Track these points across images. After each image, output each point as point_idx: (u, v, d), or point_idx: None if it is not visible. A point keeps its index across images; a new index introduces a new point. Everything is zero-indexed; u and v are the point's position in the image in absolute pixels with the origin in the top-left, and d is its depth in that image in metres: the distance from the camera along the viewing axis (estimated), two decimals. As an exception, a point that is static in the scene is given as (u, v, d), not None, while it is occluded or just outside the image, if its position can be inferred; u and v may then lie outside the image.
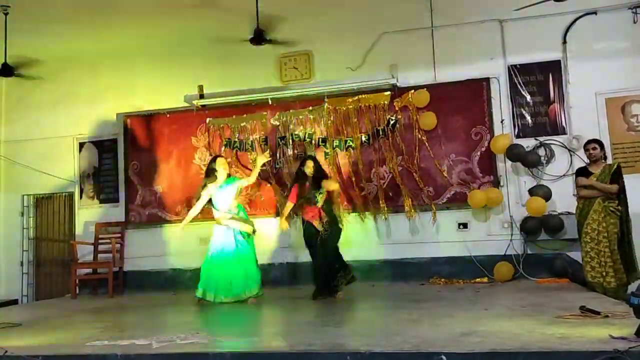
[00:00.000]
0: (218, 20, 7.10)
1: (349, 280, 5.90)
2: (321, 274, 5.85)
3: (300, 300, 5.96)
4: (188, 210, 6.93)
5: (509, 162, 6.83)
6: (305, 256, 6.28)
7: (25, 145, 8.25)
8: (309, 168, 5.93)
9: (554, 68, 6.86)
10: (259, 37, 6.74)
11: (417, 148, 7.05)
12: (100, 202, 8.03)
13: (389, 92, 7.16)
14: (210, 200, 6.11)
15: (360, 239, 7.02)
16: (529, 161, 6.65)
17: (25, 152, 8.21)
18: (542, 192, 6.51)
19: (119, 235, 7.73)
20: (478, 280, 6.56)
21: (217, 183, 6.04)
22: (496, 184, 6.85)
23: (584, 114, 6.68)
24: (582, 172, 5.57)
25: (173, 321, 5.17)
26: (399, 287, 6.50)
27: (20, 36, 6.99)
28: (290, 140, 7.37)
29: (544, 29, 6.86)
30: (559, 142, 6.77)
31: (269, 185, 7.39)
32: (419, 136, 7.05)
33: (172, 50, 7.83)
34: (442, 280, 6.66)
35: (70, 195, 8.19)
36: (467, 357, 2.99)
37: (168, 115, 7.83)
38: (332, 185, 5.91)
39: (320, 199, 5.85)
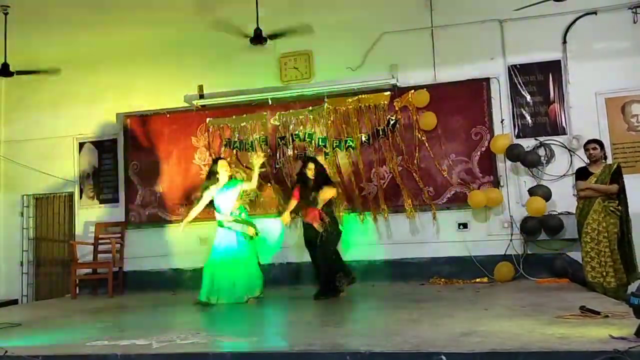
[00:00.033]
0: (218, 20, 7.09)
1: (349, 281, 5.90)
2: (321, 274, 5.88)
3: (300, 300, 5.96)
4: (188, 211, 6.95)
5: (509, 162, 6.83)
6: (305, 256, 6.28)
7: (25, 145, 8.25)
8: (310, 170, 5.96)
9: (554, 68, 6.86)
10: (259, 37, 6.73)
11: (417, 148, 7.05)
12: (100, 202, 8.03)
13: (389, 92, 7.16)
14: (212, 202, 6.12)
15: (360, 239, 7.02)
16: (529, 161, 6.65)
17: (25, 152, 8.21)
18: (541, 192, 6.51)
19: (119, 235, 7.73)
20: (478, 280, 6.56)
21: (219, 185, 6.05)
22: (496, 184, 6.85)
23: (584, 114, 6.68)
24: (582, 172, 5.57)
25: (173, 321, 5.16)
26: (399, 287, 6.50)
27: (20, 36, 6.99)
28: (290, 140, 7.37)
29: (544, 29, 6.86)
30: (559, 142, 6.78)
31: (269, 185, 7.38)
32: (419, 136, 7.05)
33: (172, 50, 7.83)
34: (442, 280, 6.66)
35: (70, 196, 8.19)
36: (467, 357, 2.99)
37: (168, 115, 7.83)
38: (327, 193, 5.88)
39: (321, 201, 5.86)
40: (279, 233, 7.26)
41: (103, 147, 8.09)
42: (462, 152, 6.97)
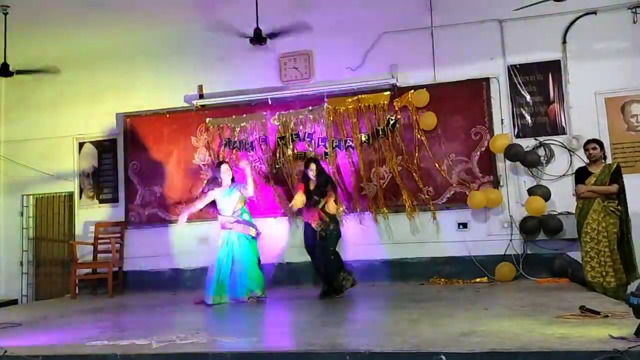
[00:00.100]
0: (218, 20, 7.10)
1: (351, 283, 5.89)
2: (322, 274, 5.89)
3: (300, 300, 5.96)
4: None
5: (508, 162, 6.83)
6: (305, 256, 6.28)
7: (25, 145, 8.25)
8: (312, 171, 5.98)
9: (553, 68, 6.87)
10: (258, 37, 6.73)
11: (416, 148, 7.05)
12: (100, 202, 8.03)
13: (388, 92, 7.16)
14: (213, 203, 6.17)
15: (360, 239, 7.02)
16: (528, 161, 6.65)
17: (25, 152, 8.21)
18: (541, 192, 6.51)
19: (119, 235, 7.73)
20: (478, 280, 6.56)
21: (222, 189, 6.09)
22: (496, 184, 6.85)
23: (584, 113, 6.69)
24: (582, 172, 5.57)
25: (173, 321, 5.16)
26: (399, 287, 6.50)
27: (20, 36, 6.99)
28: (290, 140, 7.37)
29: (544, 29, 6.86)
30: (559, 142, 6.78)
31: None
32: (419, 136, 7.05)
33: (172, 50, 7.83)
34: (442, 280, 6.66)
35: (70, 195, 8.19)
36: (467, 357, 2.99)
37: (168, 115, 7.83)
38: (332, 208, 5.89)
39: (321, 201, 5.87)
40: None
41: (103, 147, 8.09)
42: (462, 152, 6.97)
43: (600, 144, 5.58)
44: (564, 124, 6.81)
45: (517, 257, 6.66)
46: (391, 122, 7.13)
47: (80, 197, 8.08)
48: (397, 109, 7.14)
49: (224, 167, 6.18)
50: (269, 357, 3.40)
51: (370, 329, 4.06)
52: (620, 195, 5.36)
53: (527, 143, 6.78)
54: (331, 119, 7.28)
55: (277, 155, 7.41)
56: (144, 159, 7.87)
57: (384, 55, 7.24)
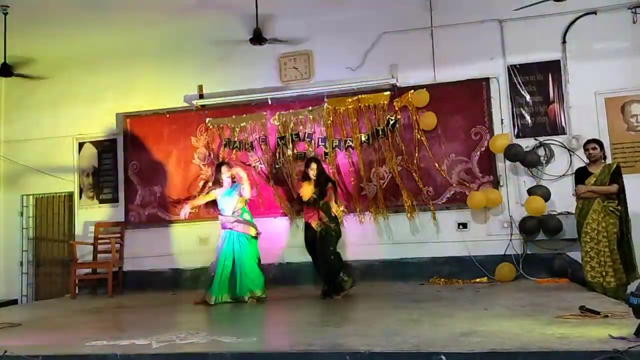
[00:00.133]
0: (218, 20, 7.10)
1: (350, 285, 5.89)
2: (322, 274, 5.89)
3: (300, 300, 5.96)
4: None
5: (508, 162, 6.83)
6: (305, 256, 6.29)
7: (24, 145, 8.25)
8: (312, 170, 5.99)
9: (553, 68, 6.87)
10: (258, 37, 6.73)
11: (416, 148, 7.05)
12: (100, 202, 8.03)
13: (388, 92, 7.16)
14: (214, 202, 6.21)
15: (360, 239, 7.02)
16: (528, 161, 6.65)
17: (24, 152, 8.21)
18: (541, 192, 6.51)
19: (119, 235, 7.73)
20: (478, 280, 6.56)
21: (223, 189, 6.11)
22: (496, 184, 6.85)
23: (584, 113, 6.69)
24: (582, 172, 5.57)
25: (173, 321, 5.16)
26: (399, 287, 6.49)
27: (20, 36, 6.99)
28: (290, 141, 7.37)
29: (544, 29, 6.86)
30: (559, 142, 6.78)
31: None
32: (419, 136, 7.05)
33: (172, 50, 7.83)
34: (442, 280, 6.66)
35: (70, 195, 8.19)
36: (467, 357, 2.99)
37: (168, 115, 7.83)
38: (335, 209, 5.92)
39: (320, 200, 5.88)
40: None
41: (103, 147, 8.09)
42: (462, 152, 6.97)
43: (600, 144, 5.58)
44: (563, 124, 6.81)
45: (517, 257, 6.66)
46: (391, 122, 7.13)
47: (80, 197, 8.08)
48: (397, 109, 7.14)
49: (224, 168, 6.19)
50: (269, 357, 3.40)
51: (370, 329, 4.05)
52: (620, 195, 5.37)
53: (527, 143, 6.79)
54: (331, 119, 7.28)
55: (277, 155, 7.41)
56: (143, 159, 7.87)
57: (384, 55, 7.24)
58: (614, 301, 4.66)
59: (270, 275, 6.92)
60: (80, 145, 8.15)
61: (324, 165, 6.61)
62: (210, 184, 7.04)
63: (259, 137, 7.50)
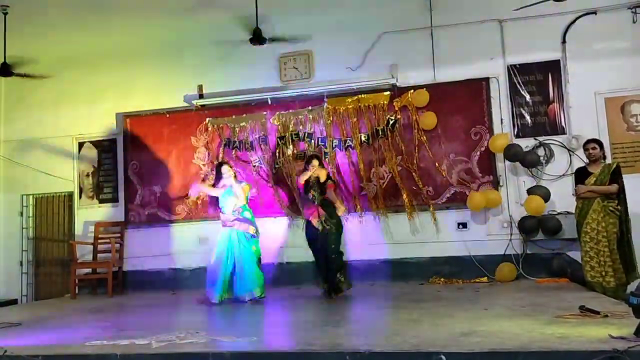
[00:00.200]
0: (218, 20, 7.10)
1: (346, 286, 5.88)
2: (322, 272, 5.88)
3: (300, 300, 5.97)
4: (187, 210, 7.06)
5: (508, 162, 6.83)
6: (305, 256, 6.29)
7: (24, 145, 8.25)
8: (313, 167, 5.97)
9: (553, 68, 6.87)
10: (258, 37, 6.73)
11: (416, 148, 7.05)
12: (100, 202, 8.03)
13: (388, 92, 7.16)
14: (217, 200, 6.23)
15: (360, 238, 7.02)
16: (528, 161, 6.65)
17: (24, 152, 8.21)
18: (540, 192, 6.51)
19: (119, 235, 7.73)
20: (478, 280, 6.56)
21: (224, 188, 6.11)
22: (495, 183, 6.86)
23: (584, 113, 6.69)
24: (582, 172, 5.57)
25: (173, 321, 5.16)
26: (399, 287, 6.50)
27: (19, 36, 6.99)
28: (290, 140, 7.37)
29: (544, 28, 6.87)
30: (559, 141, 6.78)
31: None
32: (419, 136, 7.05)
33: (172, 50, 7.83)
34: (442, 280, 6.66)
35: (70, 195, 8.19)
36: (467, 357, 3.00)
37: (167, 115, 7.83)
38: (340, 210, 5.94)
39: (319, 197, 5.88)
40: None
41: (103, 146, 8.09)
42: (462, 152, 6.97)
43: (600, 143, 5.58)
44: (563, 123, 6.81)
45: (516, 257, 6.66)
46: (391, 122, 7.13)
47: (80, 197, 8.08)
48: (397, 108, 7.14)
49: (225, 168, 6.19)
50: (269, 357, 3.41)
51: (370, 329, 4.06)
52: (620, 195, 5.37)
53: (527, 143, 6.79)
54: (331, 119, 7.28)
55: (277, 155, 7.41)
56: (143, 158, 7.87)
57: (383, 55, 7.24)
58: (613, 301, 4.66)
59: (270, 275, 6.92)
60: (80, 145, 8.15)
61: (325, 163, 6.60)
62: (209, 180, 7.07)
63: (259, 137, 7.50)
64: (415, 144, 7.06)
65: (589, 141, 5.61)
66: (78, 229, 8.02)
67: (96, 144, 8.11)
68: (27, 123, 8.31)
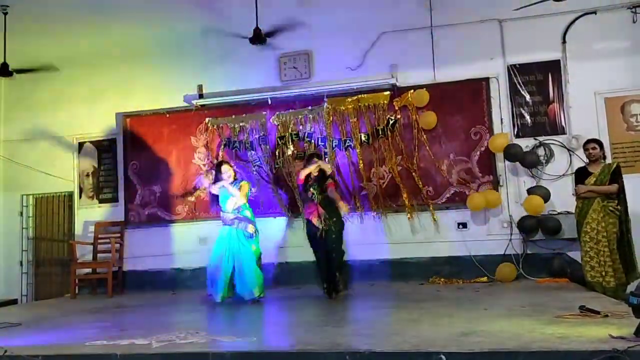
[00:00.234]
0: (218, 20, 7.10)
1: (343, 286, 5.88)
2: (322, 271, 5.88)
3: (300, 300, 5.96)
4: (187, 210, 7.05)
5: (508, 162, 6.83)
6: (305, 256, 6.28)
7: (24, 145, 8.25)
8: (315, 163, 5.97)
9: (553, 68, 6.87)
10: (258, 37, 6.73)
11: (416, 148, 7.06)
12: (100, 202, 8.03)
13: (388, 92, 7.16)
14: (217, 198, 6.23)
15: (360, 238, 7.01)
16: (528, 161, 6.65)
17: (24, 152, 8.21)
18: (540, 192, 6.51)
19: (119, 235, 7.73)
20: (478, 280, 6.56)
21: (227, 181, 6.11)
22: (495, 183, 6.86)
23: (584, 113, 6.69)
24: (582, 172, 5.58)
25: (173, 321, 5.16)
26: (399, 287, 6.50)
27: (19, 36, 6.99)
28: (290, 140, 7.37)
29: (544, 28, 6.87)
30: (559, 141, 6.78)
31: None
32: (419, 136, 7.05)
33: (171, 50, 7.83)
34: (442, 280, 6.66)
35: (70, 195, 8.19)
36: (467, 357, 2.99)
37: (167, 115, 7.83)
38: (344, 209, 5.96)
39: (319, 196, 5.87)
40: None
41: (102, 146, 8.09)
42: (462, 152, 6.97)
43: (600, 143, 5.58)
44: (563, 123, 6.81)
45: (516, 257, 6.66)
46: (391, 122, 7.13)
47: (80, 197, 8.09)
48: (396, 108, 7.14)
49: (225, 168, 6.18)
50: (269, 357, 3.41)
51: (370, 329, 4.05)
52: (620, 195, 5.37)
53: (527, 143, 6.79)
54: (331, 118, 7.28)
55: (277, 155, 7.41)
56: (143, 158, 7.88)
57: (383, 55, 7.24)
58: (613, 301, 4.66)
59: (270, 275, 6.94)
60: (80, 145, 8.15)
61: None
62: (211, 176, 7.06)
63: (259, 137, 7.50)
64: (415, 144, 7.06)
65: (589, 141, 5.62)
66: (78, 229, 8.02)
67: (96, 143, 8.11)
68: (27, 123, 8.31)
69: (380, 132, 7.13)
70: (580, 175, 5.55)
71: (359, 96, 7.20)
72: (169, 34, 7.54)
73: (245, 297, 5.82)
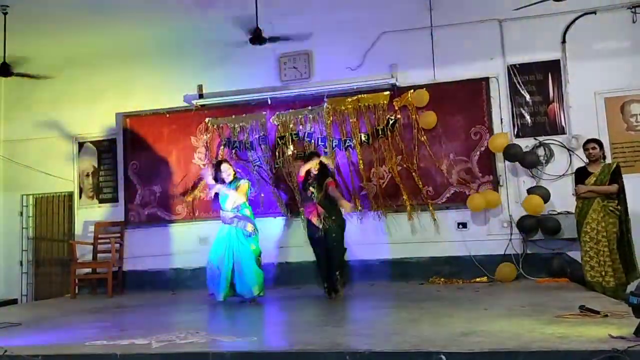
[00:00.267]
0: (218, 20, 7.10)
1: (341, 285, 5.87)
2: (322, 270, 5.88)
3: (300, 300, 5.96)
4: (187, 210, 7.05)
5: (508, 162, 6.83)
6: (305, 256, 6.28)
7: (24, 145, 8.25)
8: (315, 164, 5.97)
9: (553, 68, 6.87)
10: (258, 37, 6.73)
11: (416, 148, 7.06)
12: (100, 202, 8.03)
13: (388, 92, 7.16)
14: (217, 199, 6.23)
15: (360, 238, 7.01)
16: (527, 162, 6.65)
17: (24, 152, 8.21)
18: (540, 192, 6.51)
19: (119, 235, 7.73)
20: (478, 280, 6.56)
21: (223, 186, 6.11)
22: (495, 183, 6.86)
23: (583, 113, 6.69)
24: (582, 172, 5.58)
25: (173, 321, 5.16)
26: (399, 286, 6.50)
27: (19, 36, 6.98)
28: (290, 140, 7.37)
29: (544, 28, 6.87)
30: (558, 141, 6.78)
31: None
32: (419, 136, 7.05)
33: (171, 50, 7.83)
34: (442, 280, 6.66)
35: (70, 195, 8.19)
36: (467, 356, 3.00)
37: (167, 115, 7.83)
38: (346, 207, 6.00)
39: (318, 195, 5.87)
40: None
41: (102, 146, 8.09)
42: (462, 152, 6.97)
43: (600, 143, 5.58)
44: (563, 123, 6.81)
45: (516, 257, 6.66)
46: (391, 121, 7.13)
47: (80, 197, 8.08)
48: (396, 108, 7.14)
49: (224, 166, 6.18)
50: (269, 357, 3.41)
51: (370, 329, 4.05)
52: (620, 195, 5.37)
53: (527, 143, 6.79)
54: (331, 118, 7.28)
55: (277, 154, 7.41)
56: (143, 158, 7.88)
57: (383, 55, 7.24)
58: (613, 301, 4.67)
59: (270, 275, 6.93)
60: (80, 145, 8.15)
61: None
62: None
63: (259, 137, 7.50)
64: (415, 144, 7.06)
65: (588, 141, 5.62)
66: (78, 229, 8.02)
67: (96, 144, 8.11)
68: (27, 123, 8.30)
69: (380, 132, 7.13)
70: (580, 175, 5.55)
71: (359, 96, 7.20)
72: (169, 34, 7.53)
73: (245, 295, 5.82)
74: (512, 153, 6.62)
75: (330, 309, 5.26)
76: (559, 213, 6.49)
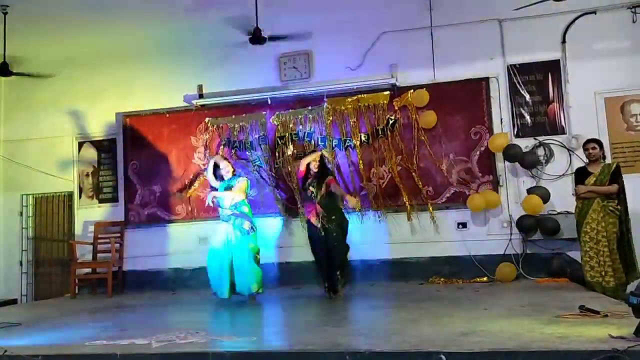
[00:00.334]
0: (217, 20, 7.09)
1: (342, 285, 5.87)
2: (322, 270, 5.87)
3: (300, 300, 5.97)
4: (187, 209, 7.04)
5: (508, 162, 6.83)
6: (305, 256, 6.28)
7: (24, 145, 8.24)
8: (315, 162, 5.97)
9: (553, 68, 6.87)
10: (258, 37, 6.72)
11: (416, 148, 7.06)
12: (100, 202, 8.03)
13: (388, 92, 7.16)
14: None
15: (360, 238, 7.00)
16: (527, 162, 6.65)
17: (24, 151, 8.20)
18: (540, 193, 6.51)
19: (118, 234, 7.72)
20: (478, 280, 6.56)
21: (222, 182, 6.11)
22: (495, 183, 6.86)
23: (583, 113, 6.69)
24: (582, 172, 5.58)
25: (173, 321, 5.16)
26: (399, 286, 6.50)
27: (19, 35, 6.98)
28: (290, 140, 7.37)
29: (543, 28, 6.87)
30: (558, 141, 6.78)
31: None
32: (419, 136, 7.05)
33: (171, 50, 7.83)
34: (442, 280, 6.66)
35: (70, 195, 8.18)
36: (467, 356, 3.00)
37: (167, 115, 7.83)
38: (353, 203, 6.07)
39: (318, 194, 5.87)
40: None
41: (102, 146, 8.09)
42: (462, 152, 6.97)
43: (600, 143, 5.58)
44: (563, 123, 6.81)
45: (516, 257, 6.66)
46: (391, 121, 7.13)
47: (80, 197, 8.08)
48: (396, 108, 7.14)
49: (223, 164, 6.18)
50: (269, 357, 3.41)
51: (370, 329, 4.06)
52: (620, 195, 5.37)
53: (527, 143, 6.79)
54: (331, 118, 7.28)
55: (277, 154, 7.41)
56: (143, 158, 7.87)
57: (383, 55, 7.24)
58: (613, 301, 4.67)
59: (270, 275, 6.93)
60: (80, 144, 8.15)
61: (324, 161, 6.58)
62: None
63: (259, 137, 7.50)
64: (415, 144, 7.06)
65: (588, 141, 5.62)
66: (78, 228, 8.02)
67: (96, 143, 8.11)
68: (27, 123, 8.30)
69: (380, 132, 7.13)
70: (580, 175, 5.55)
71: (359, 96, 7.20)
72: (169, 34, 7.53)
73: (244, 293, 5.82)
74: (512, 153, 6.62)
75: (330, 309, 5.26)
76: (558, 213, 6.50)
